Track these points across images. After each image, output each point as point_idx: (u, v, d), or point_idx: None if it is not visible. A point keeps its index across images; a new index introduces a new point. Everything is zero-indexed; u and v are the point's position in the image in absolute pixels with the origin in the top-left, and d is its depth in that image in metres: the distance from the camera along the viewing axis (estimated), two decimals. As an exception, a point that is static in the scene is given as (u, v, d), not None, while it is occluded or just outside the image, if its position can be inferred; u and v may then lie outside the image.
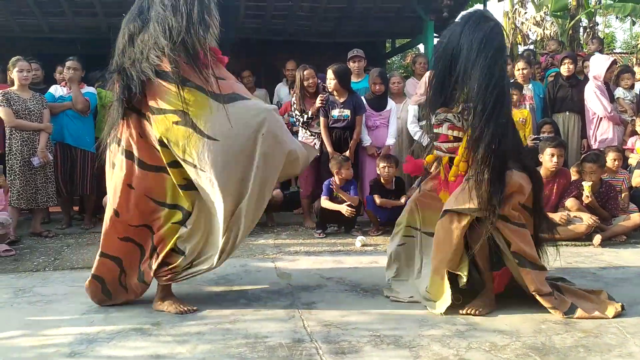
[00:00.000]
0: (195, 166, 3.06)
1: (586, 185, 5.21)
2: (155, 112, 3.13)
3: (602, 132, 6.62)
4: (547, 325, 3.01)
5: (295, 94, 6.17)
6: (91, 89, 6.14)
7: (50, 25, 8.57)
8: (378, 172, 5.74)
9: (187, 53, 3.05)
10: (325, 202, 5.53)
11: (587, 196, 5.21)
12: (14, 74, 5.54)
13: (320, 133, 5.95)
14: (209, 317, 3.16)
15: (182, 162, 3.10)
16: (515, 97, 6.35)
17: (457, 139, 3.31)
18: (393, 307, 3.34)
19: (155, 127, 3.12)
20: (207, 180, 3.06)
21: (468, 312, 3.20)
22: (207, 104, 3.07)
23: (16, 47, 7.57)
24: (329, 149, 5.82)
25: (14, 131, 5.47)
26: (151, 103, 3.14)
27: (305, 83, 6.03)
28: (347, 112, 5.86)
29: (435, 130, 3.43)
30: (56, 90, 6.08)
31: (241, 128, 3.10)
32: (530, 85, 6.92)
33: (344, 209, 5.44)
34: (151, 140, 3.19)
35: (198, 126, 3.05)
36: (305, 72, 6.03)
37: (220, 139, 3.05)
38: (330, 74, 5.86)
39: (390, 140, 6.14)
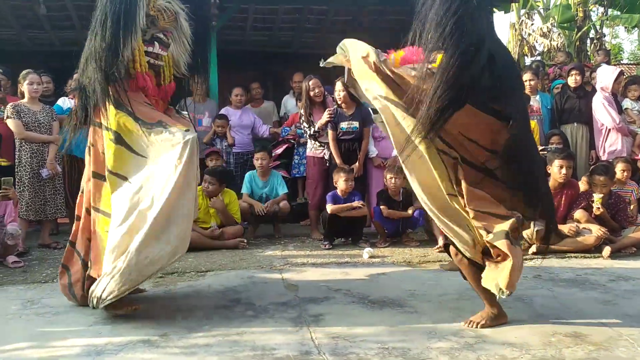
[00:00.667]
0: (125, 178, 3.26)
1: (597, 197, 5.19)
2: (102, 128, 3.36)
3: (611, 144, 6.60)
4: (557, 337, 2.98)
5: (302, 105, 6.20)
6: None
7: (60, 38, 8.66)
8: (385, 183, 5.74)
9: (110, 76, 3.23)
10: (332, 207, 5.52)
11: (598, 208, 5.19)
12: (24, 87, 5.59)
13: (328, 143, 5.96)
14: (216, 329, 3.15)
15: (112, 175, 3.28)
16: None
17: None
18: (401, 319, 3.32)
19: (103, 140, 3.37)
20: (131, 193, 3.23)
21: (468, 325, 3.18)
22: (135, 128, 3.25)
23: (27, 60, 7.65)
24: (337, 161, 5.83)
25: (23, 143, 5.51)
26: (97, 118, 3.38)
27: (312, 93, 6.06)
28: (356, 124, 5.88)
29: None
30: (64, 102, 6.14)
31: (163, 151, 3.23)
32: (537, 97, 6.91)
33: (354, 205, 5.52)
34: (99, 148, 3.42)
35: (129, 144, 3.27)
36: (310, 82, 6.06)
37: (148, 157, 3.26)
38: (339, 85, 5.87)
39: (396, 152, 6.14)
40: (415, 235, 5.94)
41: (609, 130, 6.62)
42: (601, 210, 5.20)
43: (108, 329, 3.17)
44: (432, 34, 2.87)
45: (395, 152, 5.99)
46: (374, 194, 5.96)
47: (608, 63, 8.26)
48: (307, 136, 6.13)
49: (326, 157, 6.03)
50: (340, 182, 5.56)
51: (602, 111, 6.60)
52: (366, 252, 5.10)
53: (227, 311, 3.49)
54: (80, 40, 8.44)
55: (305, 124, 6.08)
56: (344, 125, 5.87)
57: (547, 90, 7.76)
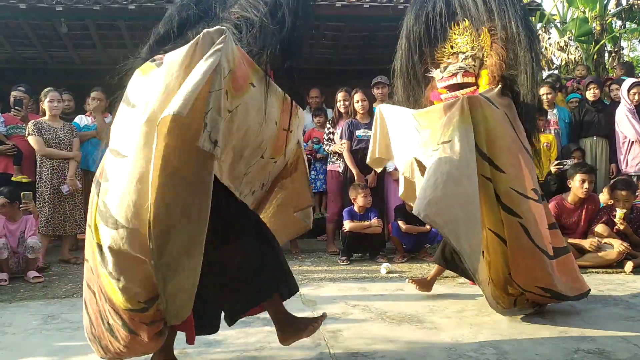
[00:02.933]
0: None
1: (619, 212, 5.12)
2: None
3: (634, 156, 6.52)
4: (580, 354, 2.92)
5: (333, 116, 6.49)
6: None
7: (81, 57, 8.82)
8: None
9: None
10: (350, 225, 5.51)
11: (622, 223, 5.12)
12: (45, 104, 5.71)
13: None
14: (234, 345, 3.15)
15: None
16: (540, 122, 6.30)
17: (470, 85, 3.55)
18: (420, 335, 3.28)
19: None
20: None
21: None
22: None
23: (49, 78, 7.79)
24: (353, 171, 5.84)
25: (44, 159, 5.60)
26: None
27: (338, 104, 6.21)
28: (371, 132, 5.91)
29: (448, 83, 3.57)
30: (81, 119, 6.26)
31: None
32: (555, 110, 6.86)
33: (372, 224, 5.53)
34: None
35: None
36: (339, 94, 6.25)
37: None
38: (359, 96, 6.01)
39: None
40: (433, 251, 5.89)
41: (632, 143, 6.54)
42: (624, 225, 5.12)
43: (127, 344, 3.17)
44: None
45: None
46: (392, 209, 5.94)
47: (632, 76, 8.17)
48: (325, 147, 6.28)
49: (341, 170, 6.06)
50: (359, 199, 5.55)
51: (625, 123, 6.53)
52: (384, 267, 5.07)
53: (245, 327, 3.48)
54: (101, 59, 8.65)
55: (326, 135, 6.25)
56: (359, 133, 5.91)
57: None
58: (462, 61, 3.57)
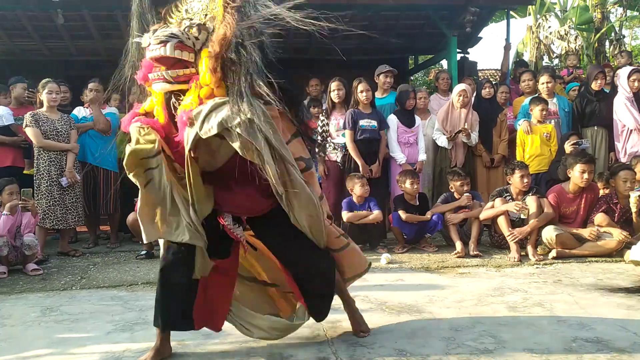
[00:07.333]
0: None
1: (634, 195, 5.05)
2: None
3: (633, 145, 6.48)
4: (579, 343, 2.92)
5: (326, 105, 6.31)
6: (113, 110, 6.27)
7: (78, 48, 8.78)
8: (402, 188, 5.69)
9: None
10: (348, 215, 5.49)
11: (635, 204, 5.07)
12: (43, 96, 5.66)
13: (343, 145, 5.94)
14: (233, 336, 3.14)
15: None
16: (540, 112, 6.27)
17: (186, 65, 2.55)
18: (419, 325, 3.28)
19: None
20: None
21: None
22: None
23: (46, 70, 7.75)
24: (359, 162, 5.80)
25: (41, 151, 5.56)
26: None
27: (332, 94, 6.09)
28: (374, 122, 5.90)
29: (154, 54, 2.51)
30: (79, 111, 6.22)
31: None
32: (554, 100, 6.82)
33: (374, 215, 5.50)
34: None
35: None
36: (333, 84, 6.11)
37: None
38: (365, 85, 5.93)
39: (422, 156, 6.13)
40: (433, 241, 5.90)
41: (631, 131, 6.50)
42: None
43: (126, 336, 3.18)
44: None
45: (421, 157, 6.02)
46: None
47: (631, 65, 8.12)
48: (319, 136, 6.17)
49: (339, 160, 6.00)
50: (357, 188, 5.52)
51: (624, 112, 6.49)
52: (384, 257, 5.07)
53: (244, 317, 3.48)
54: (99, 50, 8.59)
55: (320, 128, 6.11)
56: (363, 123, 5.86)
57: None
58: (183, 28, 2.56)
